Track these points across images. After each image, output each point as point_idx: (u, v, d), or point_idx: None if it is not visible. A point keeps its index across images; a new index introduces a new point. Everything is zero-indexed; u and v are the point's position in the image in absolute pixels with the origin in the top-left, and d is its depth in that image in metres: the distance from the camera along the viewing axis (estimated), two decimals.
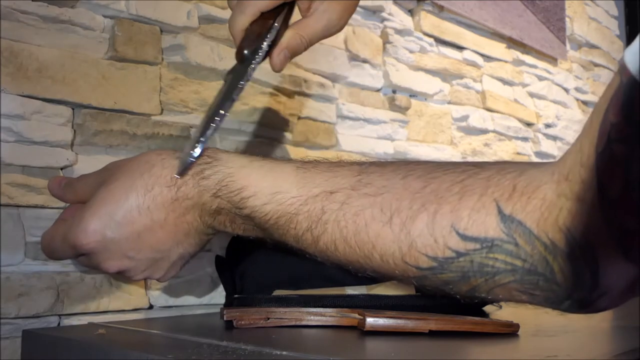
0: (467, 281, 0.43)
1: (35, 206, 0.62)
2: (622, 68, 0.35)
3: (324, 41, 0.94)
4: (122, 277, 0.53)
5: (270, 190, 0.48)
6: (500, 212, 0.41)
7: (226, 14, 0.80)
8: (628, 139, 0.36)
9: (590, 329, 0.62)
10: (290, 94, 0.89)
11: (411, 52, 1.13)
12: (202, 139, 0.50)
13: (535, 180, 0.42)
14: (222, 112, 0.52)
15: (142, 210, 0.49)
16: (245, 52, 0.54)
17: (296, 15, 0.59)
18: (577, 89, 1.63)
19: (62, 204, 0.59)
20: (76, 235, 0.49)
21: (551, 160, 0.44)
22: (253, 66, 0.54)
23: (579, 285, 0.41)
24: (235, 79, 0.54)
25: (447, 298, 0.47)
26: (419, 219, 0.43)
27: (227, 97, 0.53)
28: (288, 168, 0.49)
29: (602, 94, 0.38)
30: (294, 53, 0.58)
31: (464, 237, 0.42)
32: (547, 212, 0.40)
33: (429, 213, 0.43)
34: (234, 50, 0.80)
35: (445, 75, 1.21)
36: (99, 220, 0.49)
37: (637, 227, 0.37)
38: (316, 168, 0.49)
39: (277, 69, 0.57)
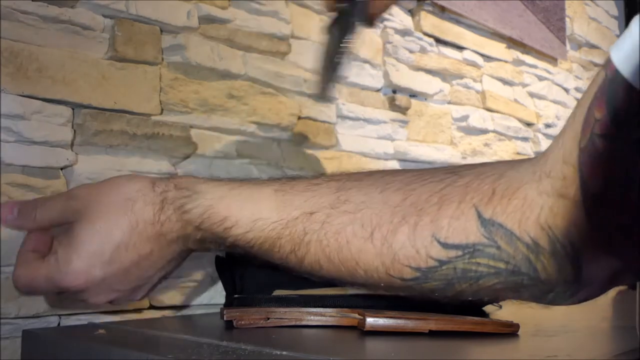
0: (452, 288, 0.44)
1: None
2: (608, 64, 0.36)
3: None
4: (106, 305, 0.54)
5: (250, 218, 0.49)
6: (480, 216, 0.42)
7: (226, 14, 0.81)
8: (611, 134, 0.36)
9: (590, 329, 0.62)
10: (290, 94, 0.89)
11: (411, 52, 1.13)
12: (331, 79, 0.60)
13: (515, 181, 0.42)
14: (341, 54, 0.59)
15: (129, 247, 0.50)
16: (341, 5, 0.60)
17: None
18: (577, 89, 1.63)
19: None
20: (63, 278, 0.49)
21: None
22: (353, 19, 0.60)
23: (562, 280, 0.41)
24: (340, 30, 0.60)
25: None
26: (400, 232, 0.44)
27: (340, 43, 0.59)
28: (266, 192, 0.50)
29: (586, 89, 0.39)
30: (388, 4, 0.64)
31: (446, 246, 0.43)
32: (528, 211, 0.40)
33: (410, 225, 0.44)
34: (233, 51, 0.81)
35: (445, 75, 1.21)
36: (87, 261, 0.49)
37: (619, 221, 0.38)
38: (294, 189, 0.50)
39: (375, 15, 0.62)
